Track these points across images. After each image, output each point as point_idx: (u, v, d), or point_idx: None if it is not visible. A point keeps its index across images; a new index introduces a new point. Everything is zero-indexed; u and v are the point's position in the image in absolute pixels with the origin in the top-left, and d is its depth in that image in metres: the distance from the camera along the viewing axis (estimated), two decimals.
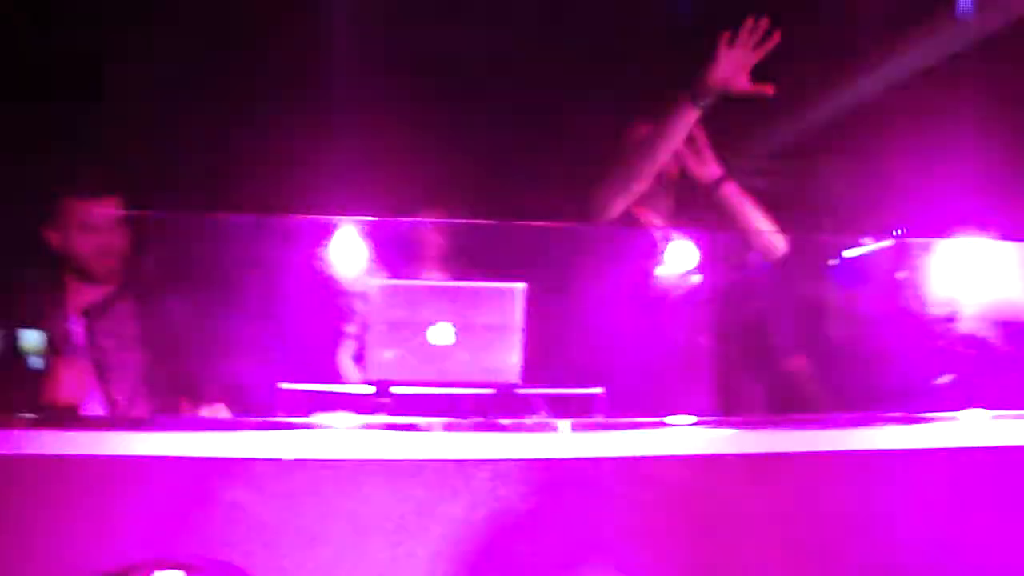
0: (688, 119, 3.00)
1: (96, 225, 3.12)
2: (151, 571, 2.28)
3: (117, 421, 2.70)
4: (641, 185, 3.10)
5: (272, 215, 3.13)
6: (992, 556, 2.80)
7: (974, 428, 3.03)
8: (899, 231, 3.98)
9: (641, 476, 2.69)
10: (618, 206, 3.11)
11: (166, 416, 3.02)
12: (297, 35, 4.21)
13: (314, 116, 4.02)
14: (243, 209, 2.90)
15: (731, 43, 2.95)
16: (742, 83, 2.94)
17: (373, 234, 3.31)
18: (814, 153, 4.32)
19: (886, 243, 3.79)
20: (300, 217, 3.26)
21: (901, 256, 3.73)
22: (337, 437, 2.63)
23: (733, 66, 2.93)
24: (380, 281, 3.01)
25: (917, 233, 3.89)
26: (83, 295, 3.23)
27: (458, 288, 3.07)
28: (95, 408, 3.06)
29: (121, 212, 3.12)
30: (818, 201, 3.83)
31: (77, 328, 3.19)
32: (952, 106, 4.19)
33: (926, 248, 3.61)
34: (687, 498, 2.70)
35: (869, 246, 3.52)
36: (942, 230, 3.49)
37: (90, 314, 3.22)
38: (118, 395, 3.11)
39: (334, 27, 4.17)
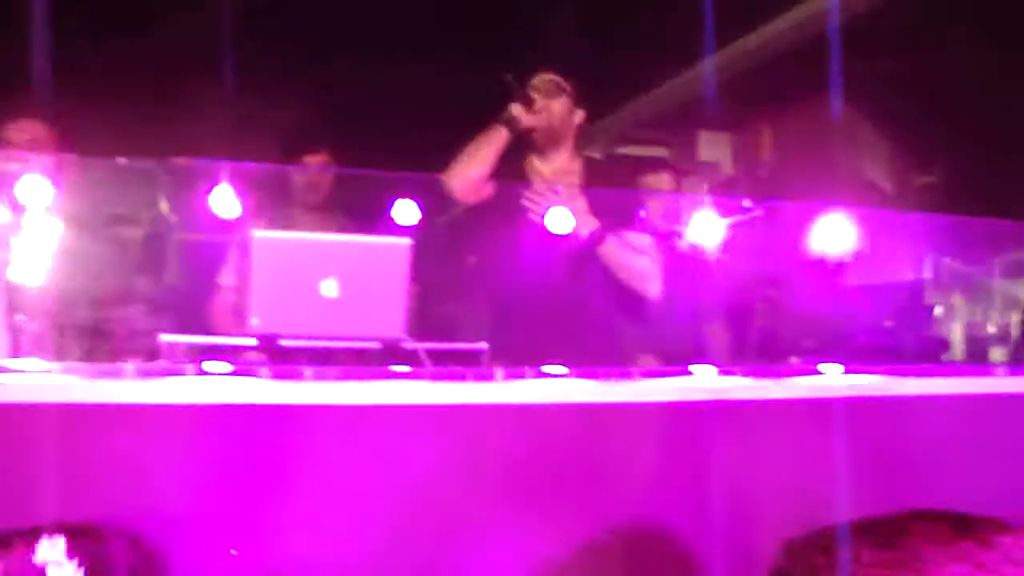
0: (501, 138, 3.60)
1: None
2: (38, 538, 2.36)
3: None
4: (470, 171, 3.60)
5: (156, 160, 3.22)
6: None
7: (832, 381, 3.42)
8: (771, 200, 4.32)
9: (523, 425, 2.93)
10: (455, 187, 3.61)
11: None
12: None
13: (198, 58, 4.13)
14: (130, 155, 2.98)
15: (540, 93, 3.58)
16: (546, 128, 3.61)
17: (253, 180, 3.42)
18: (698, 122, 4.64)
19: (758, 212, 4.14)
20: (180, 162, 3.34)
21: (778, 222, 4.09)
22: (220, 384, 2.76)
23: (542, 114, 3.59)
24: (265, 233, 3.12)
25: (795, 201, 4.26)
26: None
27: (345, 242, 3.21)
28: None
29: None
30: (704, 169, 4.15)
31: None
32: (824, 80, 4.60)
33: (802, 215, 3.96)
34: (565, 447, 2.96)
35: (745, 214, 3.84)
36: (820, 199, 3.84)
37: None
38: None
39: None
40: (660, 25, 4.82)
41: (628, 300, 3.62)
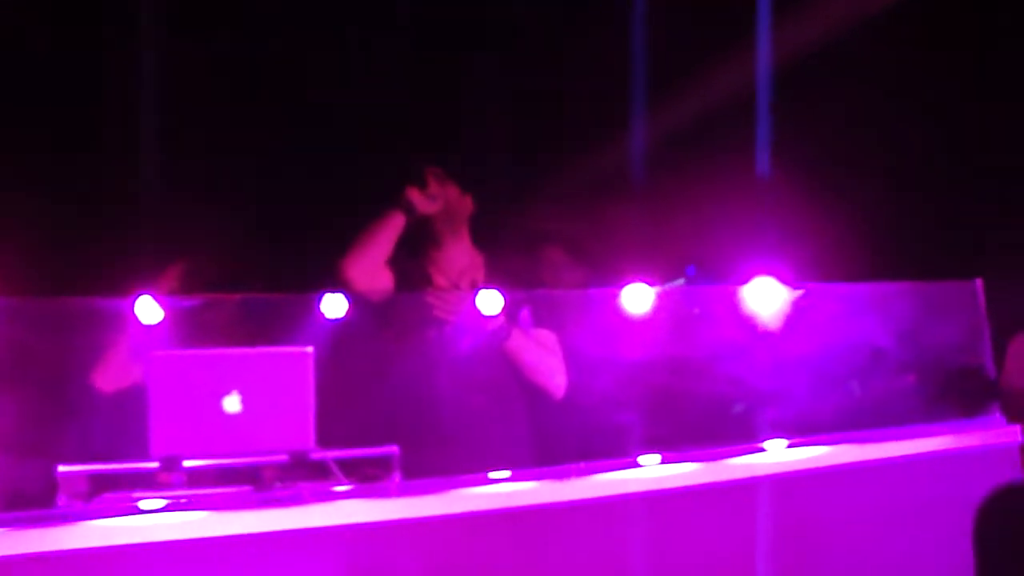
0: (397, 223, 3.57)
1: None
2: None
3: None
4: (366, 257, 3.56)
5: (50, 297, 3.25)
6: None
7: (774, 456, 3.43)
8: (689, 273, 4.34)
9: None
10: (350, 274, 3.56)
11: None
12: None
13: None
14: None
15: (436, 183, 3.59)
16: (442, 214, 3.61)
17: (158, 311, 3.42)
18: (607, 195, 4.69)
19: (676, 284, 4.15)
20: (80, 299, 3.36)
21: (690, 297, 4.11)
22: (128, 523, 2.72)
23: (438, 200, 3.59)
24: (160, 352, 3.09)
25: (706, 275, 4.29)
26: None
27: (245, 354, 3.18)
28: None
29: None
30: (611, 243, 4.16)
31: None
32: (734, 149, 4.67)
33: (715, 289, 3.99)
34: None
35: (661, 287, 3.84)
36: (730, 272, 3.86)
37: None
38: None
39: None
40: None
41: (536, 397, 3.59)
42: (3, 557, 2.56)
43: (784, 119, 4.80)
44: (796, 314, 3.80)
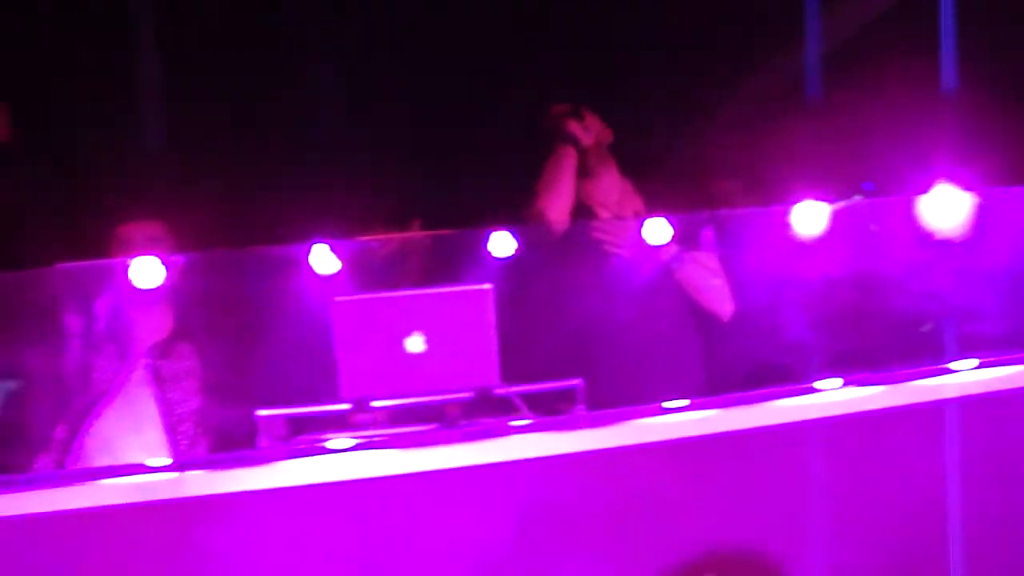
0: (572, 158, 3.65)
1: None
2: None
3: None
4: (561, 196, 3.61)
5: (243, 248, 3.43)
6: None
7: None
8: (866, 188, 4.23)
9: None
10: (550, 214, 3.63)
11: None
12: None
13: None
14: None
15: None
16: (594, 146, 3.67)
17: (346, 257, 3.57)
18: (780, 112, 4.59)
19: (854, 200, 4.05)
20: (274, 247, 3.54)
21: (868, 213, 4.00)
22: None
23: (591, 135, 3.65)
24: (344, 297, 3.23)
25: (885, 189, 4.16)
26: (147, 332, 3.53)
27: (425, 295, 3.28)
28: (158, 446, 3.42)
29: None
30: (784, 163, 4.08)
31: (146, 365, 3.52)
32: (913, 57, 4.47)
33: (894, 201, 3.86)
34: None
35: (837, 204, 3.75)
36: (911, 184, 3.73)
37: (155, 352, 3.54)
38: (182, 435, 3.47)
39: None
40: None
41: (707, 322, 3.60)
42: (210, 496, 2.76)
43: (968, 20, 4.55)
44: (987, 223, 3.66)
